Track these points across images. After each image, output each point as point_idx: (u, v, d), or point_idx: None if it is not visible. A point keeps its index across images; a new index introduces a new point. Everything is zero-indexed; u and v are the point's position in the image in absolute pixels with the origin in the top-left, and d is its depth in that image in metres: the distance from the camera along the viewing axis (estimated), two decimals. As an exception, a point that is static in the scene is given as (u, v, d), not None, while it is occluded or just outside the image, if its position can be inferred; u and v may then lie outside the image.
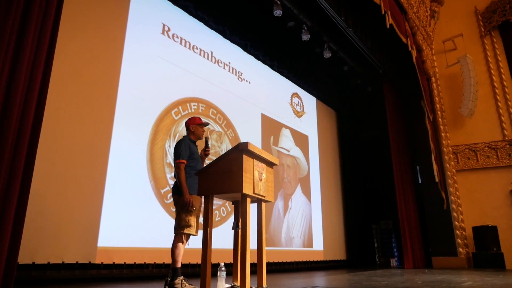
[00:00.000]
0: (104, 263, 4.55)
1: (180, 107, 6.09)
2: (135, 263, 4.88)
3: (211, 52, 7.01)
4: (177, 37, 6.37)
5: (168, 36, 6.21)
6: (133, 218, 4.95)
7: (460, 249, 8.60)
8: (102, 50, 5.09)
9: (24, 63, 2.81)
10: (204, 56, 6.84)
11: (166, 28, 6.19)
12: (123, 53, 5.35)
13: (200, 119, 3.68)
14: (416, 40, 9.02)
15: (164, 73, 5.95)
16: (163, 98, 5.84)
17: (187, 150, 3.42)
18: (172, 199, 5.54)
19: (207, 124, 3.71)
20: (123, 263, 4.75)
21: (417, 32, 9.03)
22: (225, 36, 7.39)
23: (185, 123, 3.68)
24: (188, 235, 3.31)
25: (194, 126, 3.61)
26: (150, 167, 5.37)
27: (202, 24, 6.92)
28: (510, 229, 8.50)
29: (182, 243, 3.27)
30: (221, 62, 7.21)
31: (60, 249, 4.17)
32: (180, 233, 3.25)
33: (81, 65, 4.79)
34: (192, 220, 3.28)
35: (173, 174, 5.67)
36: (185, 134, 3.67)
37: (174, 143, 5.78)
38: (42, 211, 4.03)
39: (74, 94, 4.64)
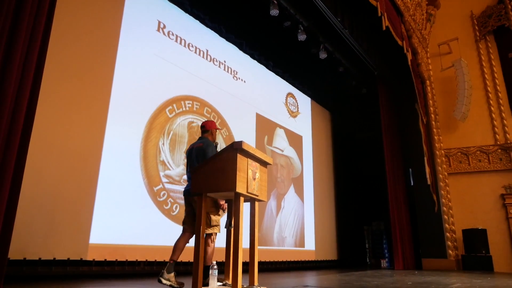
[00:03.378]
0: (95, 259, 4.54)
1: (174, 105, 6.07)
2: (126, 260, 4.86)
3: (207, 50, 6.99)
4: (173, 34, 6.35)
5: (164, 34, 6.19)
6: (125, 215, 4.93)
7: (450, 251, 8.69)
8: (97, 46, 5.06)
9: (17, 57, 2.79)
10: (199, 54, 6.82)
11: (162, 25, 6.17)
12: (117, 49, 5.32)
13: (215, 123, 3.80)
14: (412, 43, 9.07)
15: (158, 71, 5.93)
16: (157, 96, 5.82)
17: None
18: (164, 197, 5.53)
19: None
20: (114, 260, 4.74)
21: (413, 35, 9.08)
22: (220, 35, 7.38)
23: (206, 126, 3.69)
24: (216, 234, 3.40)
25: (214, 130, 3.73)
26: (143, 165, 5.36)
27: (197, 22, 6.90)
28: (499, 232, 8.59)
29: (212, 242, 3.36)
30: (217, 61, 7.20)
31: (51, 245, 4.15)
32: (210, 234, 3.33)
33: (75, 61, 4.75)
34: (219, 219, 3.40)
35: (166, 172, 5.67)
36: (202, 136, 3.66)
37: (168, 141, 5.77)
38: (33, 207, 4.00)
39: (67, 90, 4.61)
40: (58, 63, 4.49)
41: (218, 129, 3.81)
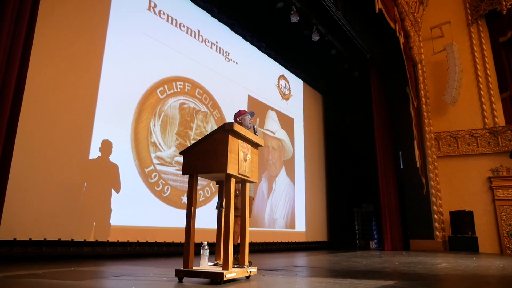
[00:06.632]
0: (86, 240, 4.54)
1: (165, 86, 6.00)
2: (118, 241, 4.88)
3: (198, 31, 6.88)
4: (164, 13, 6.22)
5: (154, 13, 6.06)
6: (116, 196, 4.92)
7: (437, 233, 8.89)
8: (86, 25, 4.94)
9: (4, 32, 2.72)
10: (191, 35, 6.72)
11: (153, 4, 6.03)
12: (107, 28, 5.20)
13: (244, 110, 3.91)
14: (404, 26, 9.04)
15: (149, 51, 5.83)
16: (148, 76, 5.74)
17: None
18: (156, 179, 5.54)
19: (252, 113, 3.89)
20: (106, 240, 4.75)
21: (405, 18, 9.03)
22: (212, 15, 7.25)
23: (233, 118, 3.87)
24: (237, 217, 3.47)
25: (241, 117, 3.83)
26: (134, 146, 5.32)
27: (189, 1, 6.76)
28: (485, 215, 8.80)
29: (237, 224, 3.48)
30: (208, 41, 7.10)
31: (42, 226, 4.13)
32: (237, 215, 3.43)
33: (64, 40, 4.64)
34: (237, 203, 3.47)
35: (157, 153, 5.65)
36: None
37: (159, 123, 5.73)
38: (23, 187, 3.97)
39: (56, 70, 4.51)
40: (46, 43, 4.38)
41: (245, 114, 3.83)
